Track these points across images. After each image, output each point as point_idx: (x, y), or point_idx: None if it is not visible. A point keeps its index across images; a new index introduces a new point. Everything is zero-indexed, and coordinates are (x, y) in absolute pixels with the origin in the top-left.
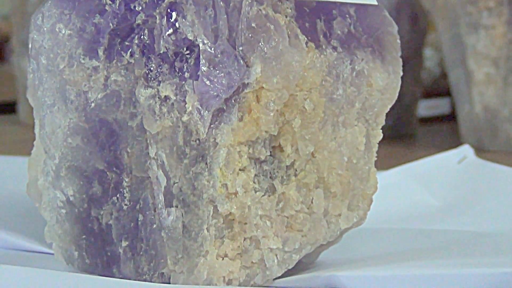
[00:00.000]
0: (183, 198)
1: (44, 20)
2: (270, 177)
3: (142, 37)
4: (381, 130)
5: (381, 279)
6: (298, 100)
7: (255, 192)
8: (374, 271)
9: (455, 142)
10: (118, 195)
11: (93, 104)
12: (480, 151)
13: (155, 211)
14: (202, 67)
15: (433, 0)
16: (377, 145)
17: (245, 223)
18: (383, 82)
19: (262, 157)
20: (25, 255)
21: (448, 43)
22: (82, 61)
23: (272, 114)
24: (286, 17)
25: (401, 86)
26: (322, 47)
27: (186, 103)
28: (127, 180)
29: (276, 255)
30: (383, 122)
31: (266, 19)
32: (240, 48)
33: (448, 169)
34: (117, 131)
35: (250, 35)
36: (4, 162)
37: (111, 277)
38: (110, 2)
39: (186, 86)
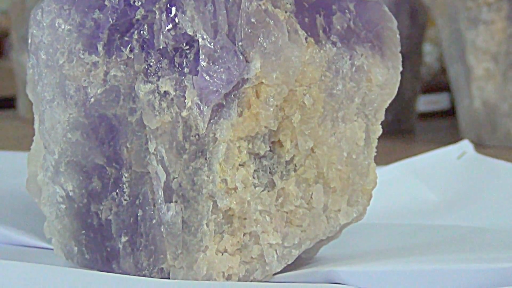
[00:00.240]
0: (182, 193)
1: (43, 15)
2: (270, 172)
3: (141, 32)
4: (380, 126)
5: (381, 274)
6: (297, 96)
7: (255, 187)
8: (373, 266)
9: (454, 137)
10: (117, 190)
11: (92, 99)
12: (480, 146)
13: (154, 206)
14: (202, 62)
15: None
16: (376, 140)
17: (245, 219)
18: (383, 78)
19: (262, 152)
20: (24, 250)
21: (447, 38)
22: (82, 56)
23: (271, 109)
24: (286, 12)
25: (401, 82)
26: (321, 42)
27: (185, 98)
28: (126, 175)
29: (276, 251)
30: (383, 118)
31: (265, 14)
32: (240, 44)
33: (447, 164)
34: (116, 127)
35: (249, 30)
36: (4, 158)
37: (110, 272)
38: None
39: (185, 81)
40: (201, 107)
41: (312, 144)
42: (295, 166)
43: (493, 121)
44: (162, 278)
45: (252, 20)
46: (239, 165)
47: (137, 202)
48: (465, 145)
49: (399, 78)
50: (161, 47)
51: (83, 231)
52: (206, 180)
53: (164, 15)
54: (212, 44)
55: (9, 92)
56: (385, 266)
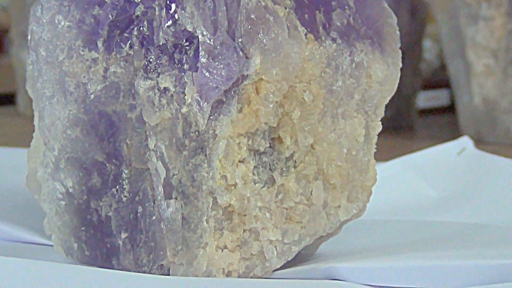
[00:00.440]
0: (182, 189)
1: (43, 12)
2: (270, 169)
3: (141, 28)
4: (380, 122)
5: (381, 271)
6: (297, 92)
7: (255, 183)
8: (373, 262)
9: (454, 133)
10: (117, 187)
11: (92, 96)
12: (479, 142)
13: (154, 202)
14: (202, 59)
15: None
16: (376, 136)
17: (245, 215)
18: (383, 74)
19: (262, 149)
20: (24, 247)
21: (447, 35)
22: (82, 53)
23: (271, 105)
24: (285, 8)
25: (400, 78)
26: (321, 38)
27: (185, 95)
28: (126, 171)
29: (276, 247)
30: (383, 114)
31: (265, 10)
32: (240, 40)
33: (447, 160)
34: (116, 123)
35: (249, 26)
36: (4, 154)
37: (110, 268)
38: None
39: (185, 78)
40: (201, 104)
41: (312, 141)
42: (295, 162)
43: (492, 118)
44: (162, 274)
45: (252, 16)
46: (239, 161)
47: (137, 198)
48: (465, 142)
49: (399, 75)
50: (160, 43)
51: (83, 228)
52: (206, 177)
53: (164, 12)
54: (212, 40)
55: (9, 89)
56: (385, 263)
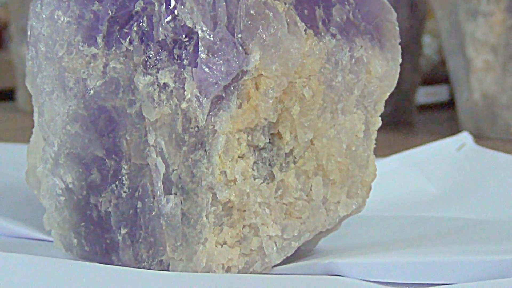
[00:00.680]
0: (182, 185)
1: (43, 7)
2: (269, 164)
3: (141, 24)
4: (380, 117)
5: (380, 266)
6: (297, 87)
7: (254, 179)
8: (373, 258)
9: (453, 129)
10: (117, 183)
11: (92, 92)
12: (479, 138)
13: (154, 198)
14: (201, 54)
15: None
16: (376, 132)
17: (244, 211)
18: (382, 69)
19: (261, 144)
20: (24, 242)
21: (447, 30)
22: (81, 49)
23: (271, 101)
24: (285, 4)
25: (400, 73)
26: (321, 34)
27: (185, 91)
28: (126, 167)
29: (275, 243)
30: (382, 109)
31: (265, 6)
32: (239, 35)
33: (447, 156)
34: (116, 119)
35: (249, 22)
36: (3, 150)
37: (110, 264)
38: None
39: (185, 73)
40: (201, 99)
41: (311, 136)
42: (295, 158)
43: (492, 113)
44: (161, 270)
45: (252, 12)
46: (239, 157)
47: (136, 194)
48: (465, 137)
49: (399, 70)
50: (160, 39)
51: (83, 223)
52: (205, 172)
53: (164, 7)
54: (211, 36)
55: (9, 84)
56: (384, 258)
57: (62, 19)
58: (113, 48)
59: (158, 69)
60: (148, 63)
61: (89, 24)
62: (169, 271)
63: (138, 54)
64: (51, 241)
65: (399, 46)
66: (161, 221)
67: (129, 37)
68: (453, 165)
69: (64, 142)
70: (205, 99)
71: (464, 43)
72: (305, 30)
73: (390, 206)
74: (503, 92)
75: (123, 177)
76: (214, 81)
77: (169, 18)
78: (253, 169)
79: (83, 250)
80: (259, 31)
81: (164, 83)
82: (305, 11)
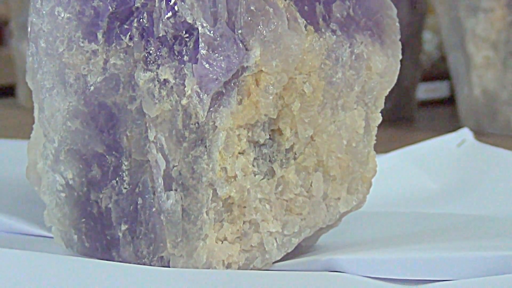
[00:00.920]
0: (182, 181)
1: (43, 3)
2: (269, 161)
3: (141, 20)
4: (380, 114)
5: (380, 262)
6: (297, 84)
7: (255, 175)
8: (373, 254)
9: (454, 125)
10: (117, 179)
11: (92, 88)
12: (479, 134)
13: (154, 194)
14: (201, 51)
15: None
16: (376, 128)
17: (244, 207)
18: (382, 65)
19: (261, 141)
20: (24, 239)
21: (447, 26)
22: (81, 45)
23: (271, 97)
24: (285, 0)
25: (400, 70)
26: (321, 30)
27: (185, 87)
28: (126, 163)
29: (276, 239)
30: (382, 105)
31: (265, 2)
32: (239, 31)
33: (447, 152)
34: (116, 115)
35: (249, 18)
36: (4, 146)
37: (110, 260)
38: None
39: (185, 70)
40: (201, 95)
41: (311, 132)
42: (295, 154)
43: (492, 109)
44: (162, 266)
45: (252, 8)
46: (239, 153)
47: (137, 190)
48: (465, 133)
49: (399, 66)
50: (160, 35)
51: (83, 220)
52: (205, 168)
53: (164, 3)
54: (211, 32)
55: (9, 80)
56: (385, 254)
57: (62, 15)
58: (114, 44)
59: (159, 65)
60: (148, 59)
61: (89, 20)
62: (169, 267)
63: (138, 50)
64: (52, 237)
65: (400, 42)
66: (162, 217)
67: (129, 33)
68: (454, 161)
69: (64, 138)
70: (206, 95)
71: (465, 39)
72: (305, 26)
73: (391, 202)
74: (504, 88)
75: (124, 173)
76: (214, 77)
77: (170, 14)
78: (253, 165)
79: (83, 246)
80: (259, 27)
81: (164, 79)
82: (306, 7)
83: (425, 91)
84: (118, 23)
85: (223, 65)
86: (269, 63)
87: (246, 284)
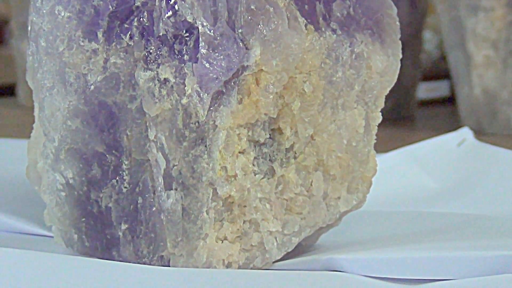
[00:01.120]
0: (182, 180)
1: (43, 2)
2: (270, 160)
3: (141, 19)
4: (380, 113)
5: (381, 262)
6: (297, 83)
7: (255, 174)
8: (373, 253)
9: (454, 124)
10: (117, 178)
11: (92, 87)
12: (480, 133)
13: (154, 194)
14: (202, 50)
15: None
16: (376, 127)
17: (245, 206)
18: (383, 65)
19: (262, 140)
20: (24, 238)
21: (447, 26)
22: (82, 44)
23: (271, 96)
24: None
25: (401, 69)
26: (321, 29)
27: (185, 86)
28: (126, 162)
29: (276, 238)
30: (383, 105)
31: (265, 1)
32: (240, 31)
33: (447, 151)
34: (116, 114)
35: (249, 17)
36: (4, 145)
37: (110, 260)
38: None
39: (185, 69)
40: (201, 95)
41: (312, 132)
42: (295, 153)
43: (493, 109)
44: (162, 265)
45: (252, 7)
46: (239, 152)
47: (137, 189)
48: (465, 132)
49: (399, 65)
50: (161, 34)
51: (83, 219)
52: (206, 168)
53: (164, 2)
54: (212, 31)
55: (9, 80)
56: (385, 254)
57: (62, 14)
58: (114, 43)
59: (159, 64)
60: (148, 58)
61: (89, 19)
62: (169, 266)
63: (138, 49)
64: (52, 237)
65: (400, 41)
66: (162, 217)
67: (129, 32)
68: (454, 161)
69: (64, 138)
70: (206, 94)
71: (465, 38)
72: (305, 25)
73: (391, 202)
74: (504, 88)
75: (124, 173)
76: (214, 76)
77: (170, 13)
78: (253, 165)
79: (83, 246)
80: (259, 26)
81: (164, 78)
82: (306, 6)
83: (425, 90)
84: (118, 22)
85: (223, 64)
86: (269, 62)
87: (246, 284)
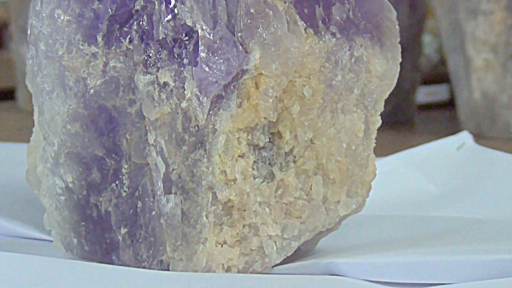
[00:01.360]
0: (182, 184)
1: (43, 6)
2: (269, 164)
3: (141, 23)
4: (379, 117)
5: (380, 266)
6: (297, 87)
7: (254, 178)
8: (373, 258)
9: (453, 128)
10: (117, 182)
11: (92, 91)
12: (479, 137)
13: (154, 198)
14: (201, 53)
15: None
16: (376, 131)
17: (244, 210)
18: (382, 68)
19: (261, 144)
20: (24, 242)
21: (447, 29)
22: (81, 47)
23: (271, 100)
24: (285, 2)
25: (400, 73)
26: (321, 33)
27: (185, 90)
28: (126, 166)
29: (275, 242)
30: (382, 109)
31: (265, 4)
32: (239, 34)
33: (447, 155)
34: (116, 118)
35: (249, 21)
36: (3, 149)
37: (110, 264)
38: None
39: (185, 73)
40: (201, 98)
41: (311, 135)
42: (295, 157)
43: (492, 112)
44: (161, 269)
45: (252, 10)
46: (239, 156)
47: (136, 193)
48: (465, 136)
49: (398, 69)
50: (160, 38)
51: (83, 223)
52: (205, 172)
53: (164, 6)
54: (211, 35)
55: (9, 84)
56: (385, 258)
57: (62, 17)
58: (113, 47)
59: (158, 68)
60: (148, 62)
61: (89, 23)
62: (169, 270)
63: (138, 53)
64: (51, 241)
65: (399, 45)
66: (161, 221)
67: (129, 36)
68: (453, 165)
69: (64, 142)
70: (205, 98)
71: (464, 42)
72: (305, 29)
73: (390, 206)
74: (503, 91)
75: (123, 177)
76: (214, 80)
77: (169, 17)
78: (253, 169)
79: (83, 250)
80: (259, 30)
81: (164, 82)
82: (305, 10)
83: (424, 94)
84: (118, 26)
85: (222, 68)
86: (268, 66)
87: None
